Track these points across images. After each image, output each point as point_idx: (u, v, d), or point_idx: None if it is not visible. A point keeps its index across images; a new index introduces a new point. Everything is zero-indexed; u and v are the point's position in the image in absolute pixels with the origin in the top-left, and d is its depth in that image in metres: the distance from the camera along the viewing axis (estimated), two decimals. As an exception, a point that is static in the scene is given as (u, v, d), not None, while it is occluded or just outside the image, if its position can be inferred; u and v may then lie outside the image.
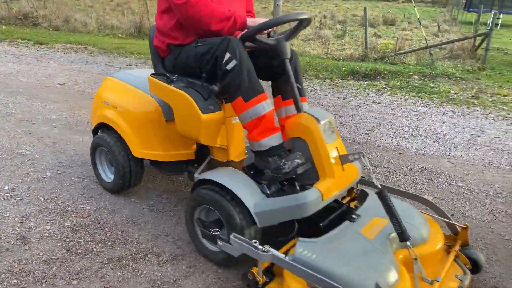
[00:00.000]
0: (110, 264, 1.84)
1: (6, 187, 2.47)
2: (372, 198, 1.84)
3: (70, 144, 3.19)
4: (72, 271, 1.78)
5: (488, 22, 7.26)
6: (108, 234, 2.06)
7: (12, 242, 1.95)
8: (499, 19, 7.21)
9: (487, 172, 2.96)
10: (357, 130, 3.93)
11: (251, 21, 1.88)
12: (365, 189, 2.00)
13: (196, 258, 1.91)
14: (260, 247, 1.56)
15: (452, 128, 3.95)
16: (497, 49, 9.05)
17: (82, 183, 2.57)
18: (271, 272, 1.64)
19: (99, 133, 2.52)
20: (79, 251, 1.92)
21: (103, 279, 1.75)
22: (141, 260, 1.88)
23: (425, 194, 2.05)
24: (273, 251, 1.54)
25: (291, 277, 1.50)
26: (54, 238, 2.01)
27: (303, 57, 8.03)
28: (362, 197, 1.95)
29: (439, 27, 11.29)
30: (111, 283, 1.72)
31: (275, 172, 1.71)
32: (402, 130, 3.91)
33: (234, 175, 1.86)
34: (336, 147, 1.73)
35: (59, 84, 5.13)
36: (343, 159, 1.72)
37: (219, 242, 1.74)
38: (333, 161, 1.69)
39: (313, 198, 1.63)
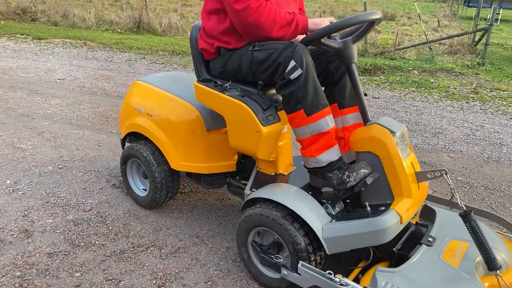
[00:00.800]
0: (113, 257, 1.86)
1: (8, 181, 2.48)
2: (443, 217, 1.71)
3: (71, 138, 3.20)
4: (75, 264, 1.79)
5: (488, 17, 7.26)
6: (110, 228, 2.08)
7: (15, 235, 1.97)
8: (499, 14, 7.22)
9: (486, 166, 2.98)
10: (357, 124, 3.94)
11: (313, 24, 1.66)
12: (429, 205, 1.82)
13: (198, 251, 1.93)
14: (337, 279, 1.40)
15: (452, 123, 3.97)
16: (497, 44, 9.04)
17: (84, 177, 2.58)
18: None
19: (129, 142, 2.33)
20: (82, 244, 1.94)
21: (106, 271, 1.76)
22: (143, 252, 1.90)
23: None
24: (352, 284, 1.38)
25: None
26: (56, 231, 2.02)
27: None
28: (428, 214, 1.77)
29: (438, 22, 11.27)
30: (114, 275, 1.74)
31: (338, 187, 1.53)
32: (401, 125, 3.92)
33: (294, 194, 1.65)
34: (411, 163, 1.57)
35: (58, 79, 5.12)
36: (420, 177, 1.55)
37: (284, 271, 1.57)
38: (411, 180, 1.51)
39: (393, 223, 1.44)
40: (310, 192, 1.66)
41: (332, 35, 1.65)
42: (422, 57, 7.25)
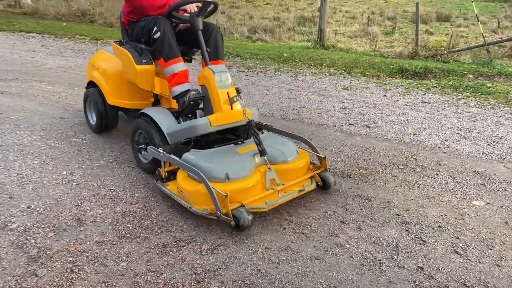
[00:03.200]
0: (156, 250, 1.93)
1: (65, 172, 2.66)
2: (264, 137, 2.56)
3: (121, 134, 3.37)
4: (121, 253, 1.89)
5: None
6: (155, 221, 2.16)
7: (69, 223, 2.11)
8: None
9: (548, 179, 2.75)
10: (405, 130, 3.80)
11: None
12: (266, 132, 2.77)
13: (237, 249, 1.95)
14: (162, 151, 2.34)
15: (510, 131, 3.70)
16: None
17: (132, 172, 2.71)
18: (174, 173, 2.34)
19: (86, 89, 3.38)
20: (128, 235, 2.03)
21: (149, 263, 1.84)
22: (185, 247, 1.95)
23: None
24: (169, 155, 2.29)
25: (180, 172, 2.28)
26: (106, 221, 2.14)
27: (349, 54, 7.86)
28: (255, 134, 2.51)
29: (499, 23, 10.55)
30: (156, 267, 1.81)
31: (182, 105, 2.48)
32: (453, 132, 3.72)
33: (159, 110, 2.62)
34: (227, 93, 2.42)
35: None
36: (231, 101, 2.41)
37: (143, 152, 2.61)
38: (223, 102, 2.39)
39: (203, 123, 2.36)
40: (175, 115, 2.60)
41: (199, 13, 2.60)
42: (479, 61, 6.82)
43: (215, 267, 1.82)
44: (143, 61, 2.70)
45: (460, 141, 3.47)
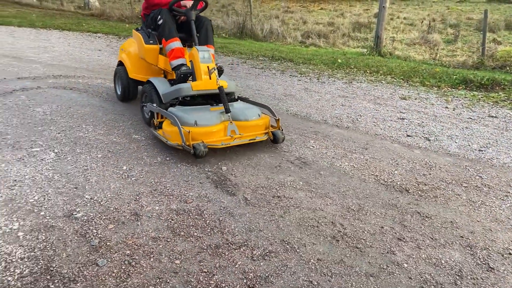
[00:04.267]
0: (208, 250, 1.95)
1: (125, 167, 2.78)
2: (237, 104, 3.41)
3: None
4: (175, 251, 1.93)
5: None
6: (208, 221, 2.19)
7: (128, 217, 2.19)
8: None
9: None
10: (469, 145, 3.55)
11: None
12: (242, 101, 3.63)
13: (288, 258, 1.92)
14: (154, 105, 3.28)
15: None
16: None
17: (187, 171, 2.78)
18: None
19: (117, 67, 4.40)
20: (182, 233, 2.07)
21: (202, 263, 1.85)
22: (236, 251, 1.95)
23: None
24: (158, 107, 3.21)
25: (165, 120, 3.11)
26: (161, 218, 2.20)
27: (407, 62, 7.54)
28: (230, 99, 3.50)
29: None
30: (209, 268, 1.82)
31: (176, 76, 3.34)
32: (525, 150, 3.42)
33: (159, 79, 3.52)
34: (207, 67, 3.23)
35: (169, 78, 5.61)
36: (209, 72, 3.22)
37: (144, 108, 3.57)
38: (203, 73, 3.22)
39: (186, 87, 3.15)
40: (171, 81, 3.49)
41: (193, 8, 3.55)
42: (555, 74, 6.23)
43: (266, 274, 1.80)
44: (150, 42, 3.69)
45: (533, 161, 3.18)
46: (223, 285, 1.72)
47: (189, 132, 2.77)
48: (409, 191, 2.64)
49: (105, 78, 5.44)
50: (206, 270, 1.81)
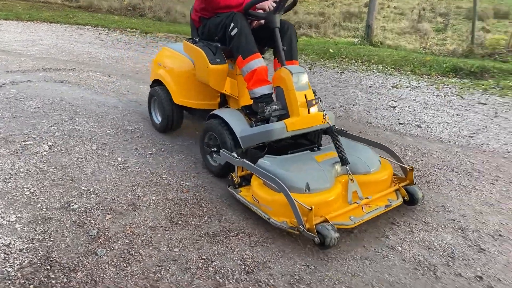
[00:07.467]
0: (206, 238, 1.97)
1: (120, 159, 2.78)
2: (343, 142, 2.25)
3: (171, 125, 3.47)
4: (173, 239, 1.95)
5: None
6: (205, 210, 2.21)
7: (125, 207, 2.20)
8: None
9: None
10: (459, 132, 3.61)
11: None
12: (344, 138, 2.48)
13: (285, 244, 1.95)
14: (236, 156, 2.22)
15: None
16: None
17: (182, 161, 2.79)
18: (248, 180, 2.24)
19: (151, 87, 3.31)
20: (180, 222, 2.09)
21: (200, 250, 1.88)
22: (234, 238, 1.98)
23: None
24: (243, 160, 2.16)
25: (254, 178, 2.13)
26: (158, 208, 2.21)
27: (398, 51, 7.59)
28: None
29: None
30: (207, 255, 1.85)
31: (259, 114, 2.30)
32: (514, 136, 3.49)
33: (231, 112, 2.54)
34: (305, 95, 2.25)
35: (161, 70, 5.58)
36: (309, 104, 2.24)
37: (214, 155, 2.53)
38: (300, 105, 2.22)
39: (279, 127, 2.19)
40: (247, 111, 2.50)
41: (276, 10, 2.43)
42: (543, 61, 6.34)
43: (264, 259, 1.84)
44: (217, 60, 2.56)
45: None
46: (222, 271, 1.75)
47: (311, 209, 1.79)
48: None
49: (96, 71, 5.39)
50: (205, 257, 1.83)
